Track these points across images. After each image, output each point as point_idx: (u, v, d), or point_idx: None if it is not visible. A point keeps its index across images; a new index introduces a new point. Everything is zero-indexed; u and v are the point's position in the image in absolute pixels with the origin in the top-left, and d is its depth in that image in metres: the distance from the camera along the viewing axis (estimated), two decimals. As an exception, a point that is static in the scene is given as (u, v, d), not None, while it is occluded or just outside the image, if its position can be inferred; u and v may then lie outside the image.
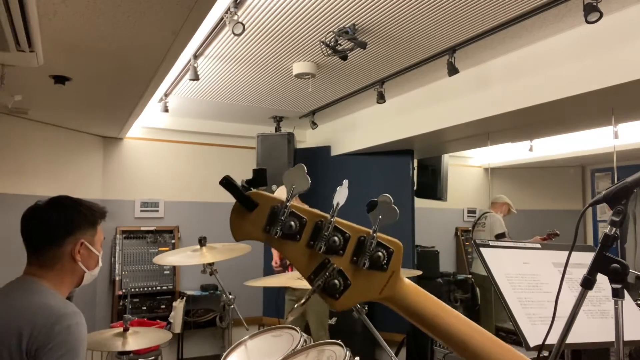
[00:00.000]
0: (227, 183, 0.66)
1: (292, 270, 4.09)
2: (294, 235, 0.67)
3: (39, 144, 4.30)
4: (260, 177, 0.72)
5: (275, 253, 4.48)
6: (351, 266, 0.68)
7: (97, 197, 4.94)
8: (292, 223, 0.66)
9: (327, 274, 0.67)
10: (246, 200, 0.67)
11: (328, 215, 0.68)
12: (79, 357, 1.26)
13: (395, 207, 0.68)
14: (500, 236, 4.78)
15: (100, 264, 1.52)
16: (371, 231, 0.68)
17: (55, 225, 1.41)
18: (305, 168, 0.69)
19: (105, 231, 4.92)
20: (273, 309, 5.41)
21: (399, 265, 0.69)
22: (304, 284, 2.21)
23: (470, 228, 5.91)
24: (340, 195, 0.69)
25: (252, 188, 0.69)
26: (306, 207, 0.70)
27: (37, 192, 3.99)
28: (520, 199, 5.65)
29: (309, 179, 0.68)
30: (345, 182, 0.69)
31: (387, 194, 0.69)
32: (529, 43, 3.16)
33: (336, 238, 0.67)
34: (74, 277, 1.44)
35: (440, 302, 0.73)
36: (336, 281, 0.67)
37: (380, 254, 0.68)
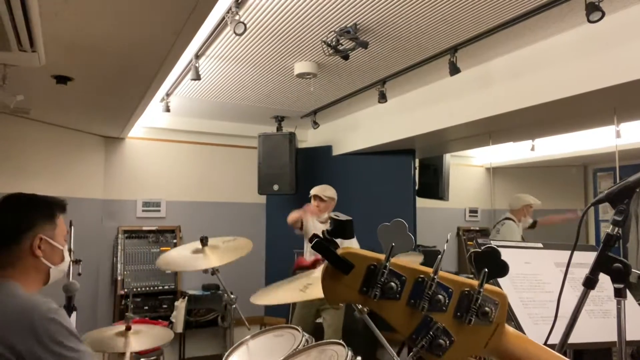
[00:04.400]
0: (319, 246, 0.62)
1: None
2: (394, 295, 0.64)
3: (41, 144, 4.30)
4: (344, 229, 0.65)
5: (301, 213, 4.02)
6: (454, 321, 0.65)
7: (98, 197, 4.95)
8: (393, 284, 0.63)
9: (431, 333, 0.64)
10: (342, 263, 0.62)
11: (429, 271, 0.64)
12: (77, 337, 1.25)
13: (504, 261, 0.65)
14: None
15: (67, 258, 1.49)
16: (476, 285, 0.65)
17: (10, 224, 1.40)
18: (406, 225, 0.65)
19: (108, 231, 5.03)
20: (275, 308, 5.41)
21: (504, 317, 0.66)
22: (311, 295, 2.08)
23: (472, 228, 5.91)
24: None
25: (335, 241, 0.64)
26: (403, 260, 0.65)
27: (38, 192, 3.99)
28: (522, 198, 5.62)
29: (412, 237, 0.64)
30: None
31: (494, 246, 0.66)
32: (531, 42, 3.15)
33: (440, 296, 0.64)
34: (40, 273, 1.43)
35: (545, 348, 0.70)
36: (441, 340, 0.64)
37: (487, 308, 0.65)
